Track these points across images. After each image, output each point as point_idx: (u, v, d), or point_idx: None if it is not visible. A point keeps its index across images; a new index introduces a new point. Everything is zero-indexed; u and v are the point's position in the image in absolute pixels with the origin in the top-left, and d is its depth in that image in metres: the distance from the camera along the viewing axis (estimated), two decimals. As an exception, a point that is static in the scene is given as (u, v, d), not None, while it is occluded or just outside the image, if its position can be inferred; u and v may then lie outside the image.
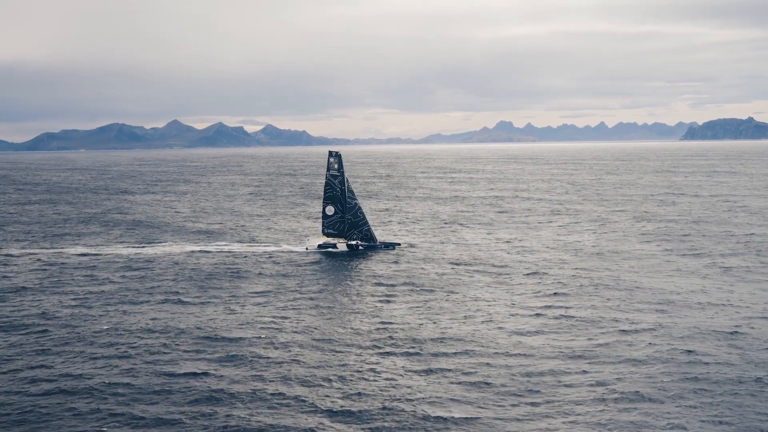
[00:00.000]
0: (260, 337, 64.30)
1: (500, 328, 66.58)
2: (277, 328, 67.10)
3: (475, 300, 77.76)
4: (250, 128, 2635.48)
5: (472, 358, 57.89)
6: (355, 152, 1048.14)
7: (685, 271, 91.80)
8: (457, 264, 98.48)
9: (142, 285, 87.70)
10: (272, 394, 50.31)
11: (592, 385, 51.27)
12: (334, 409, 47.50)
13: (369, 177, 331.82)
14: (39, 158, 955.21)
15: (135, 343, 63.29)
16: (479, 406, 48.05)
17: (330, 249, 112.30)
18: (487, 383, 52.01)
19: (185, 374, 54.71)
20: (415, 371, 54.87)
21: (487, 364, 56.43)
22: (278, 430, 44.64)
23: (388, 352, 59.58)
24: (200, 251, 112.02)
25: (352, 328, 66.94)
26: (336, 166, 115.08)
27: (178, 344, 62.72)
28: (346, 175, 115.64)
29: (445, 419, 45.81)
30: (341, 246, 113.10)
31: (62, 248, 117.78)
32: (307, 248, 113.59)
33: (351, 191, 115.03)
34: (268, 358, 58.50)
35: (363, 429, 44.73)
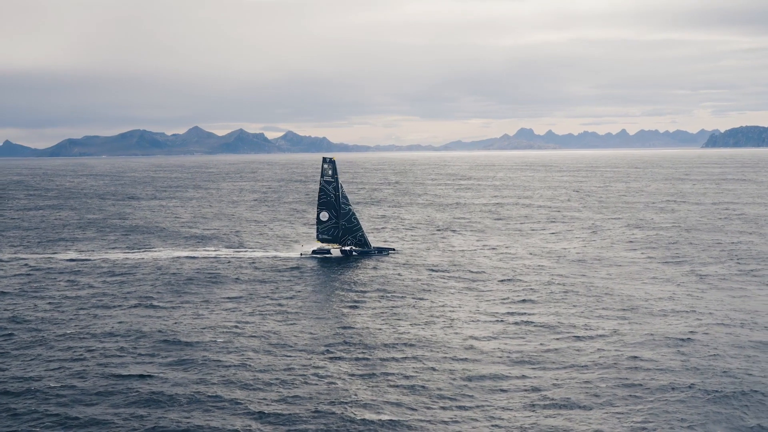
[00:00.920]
0: (216, 341, 65.08)
1: (456, 333, 67.15)
2: (236, 333, 67.88)
3: (442, 306, 78.29)
4: (270, 135, 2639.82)
5: (419, 362, 58.44)
6: (372, 159, 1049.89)
7: (660, 279, 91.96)
8: (434, 270, 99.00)
9: (120, 290, 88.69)
10: (209, 397, 51.08)
11: (526, 391, 51.77)
12: (265, 412, 48.25)
13: (378, 184, 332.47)
14: (59, 164, 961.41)
15: (93, 346, 64.21)
16: (409, 408, 48.67)
17: (324, 255, 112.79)
18: (424, 387, 52.58)
19: (132, 377, 55.59)
20: (357, 375, 55.51)
21: (432, 368, 56.99)
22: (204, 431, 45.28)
23: (337, 357, 60.21)
24: (186, 257, 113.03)
25: (310, 333, 67.65)
26: (330, 172, 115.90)
27: (135, 347, 63.62)
28: (340, 181, 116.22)
29: (370, 422, 46.46)
30: (335, 252, 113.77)
31: (53, 253, 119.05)
32: (301, 254, 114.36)
33: (345, 197, 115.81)
34: (218, 361, 59.27)
35: (287, 431, 45.28)
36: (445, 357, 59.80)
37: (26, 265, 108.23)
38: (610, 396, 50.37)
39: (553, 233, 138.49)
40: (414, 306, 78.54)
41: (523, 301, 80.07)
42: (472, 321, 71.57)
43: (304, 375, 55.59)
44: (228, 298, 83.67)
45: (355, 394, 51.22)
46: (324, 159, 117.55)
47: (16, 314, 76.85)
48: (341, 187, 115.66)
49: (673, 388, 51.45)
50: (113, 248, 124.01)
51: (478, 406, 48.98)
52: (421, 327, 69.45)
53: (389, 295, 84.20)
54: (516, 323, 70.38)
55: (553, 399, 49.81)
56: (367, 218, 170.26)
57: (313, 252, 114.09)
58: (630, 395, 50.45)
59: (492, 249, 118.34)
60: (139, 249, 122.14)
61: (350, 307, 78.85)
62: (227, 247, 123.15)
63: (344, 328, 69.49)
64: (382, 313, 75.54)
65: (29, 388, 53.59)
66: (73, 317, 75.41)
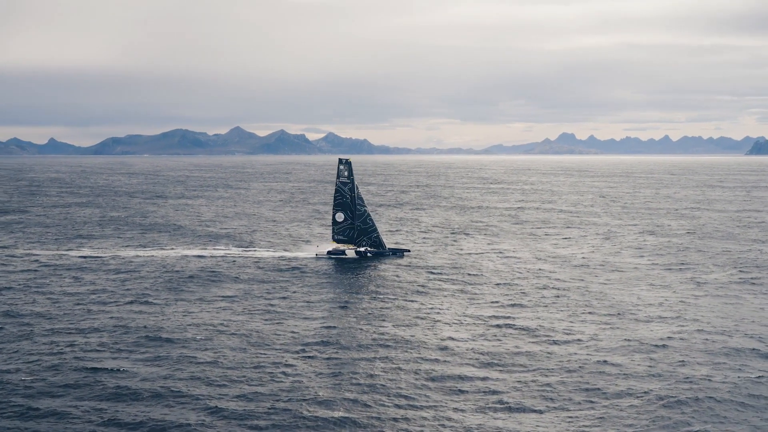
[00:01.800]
0: (197, 338, 66.20)
1: (435, 334, 67.77)
2: (219, 331, 68.95)
3: (430, 308, 78.89)
4: (312, 136, 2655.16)
5: (388, 363, 59.16)
6: (410, 161, 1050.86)
7: (657, 285, 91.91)
8: (433, 272, 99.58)
9: (120, 287, 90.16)
10: (172, 392, 52.17)
11: (484, 393, 52.33)
12: (222, 407, 49.26)
13: (407, 186, 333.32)
14: (99, 162, 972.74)
15: (76, 341, 65.58)
16: (364, 405, 49.54)
17: (339, 256, 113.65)
18: (385, 386, 53.32)
19: (103, 371, 56.87)
20: (324, 374, 56.35)
21: (399, 368, 57.72)
22: (156, 425, 46.28)
23: (310, 356, 61.05)
24: (195, 255, 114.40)
25: (291, 333, 68.54)
26: (346, 173, 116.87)
27: (115, 343, 64.91)
28: (356, 182, 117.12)
29: (321, 419, 47.27)
30: (350, 253, 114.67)
31: (68, 250, 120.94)
32: (316, 255, 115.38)
33: (361, 198, 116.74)
34: (192, 358, 60.36)
35: (239, 426, 46.21)
36: (416, 357, 60.47)
37: (37, 261, 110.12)
38: (564, 400, 50.76)
39: (565, 238, 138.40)
40: (402, 307, 79.21)
41: (513, 305, 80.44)
42: (455, 323, 72.11)
43: (272, 373, 56.47)
44: (223, 297, 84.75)
45: (316, 392, 52.03)
46: (340, 160, 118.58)
47: (13, 309, 78.43)
48: (357, 188, 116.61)
49: (629, 394, 51.71)
50: (127, 246, 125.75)
51: (431, 406, 49.59)
52: (403, 328, 70.15)
53: (381, 296, 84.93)
54: (497, 326, 70.83)
55: (507, 402, 50.29)
56: (386, 220, 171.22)
57: (329, 253, 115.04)
58: (585, 400, 50.80)
59: (499, 253, 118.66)
60: (151, 247, 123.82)
61: (340, 307, 79.68)
62: (237, 246, 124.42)
63: (327, 327, 70.31)
64: (369, 314, 76.26)
65: (0, 380, 54.89)
66: (68, 313, 76.80)
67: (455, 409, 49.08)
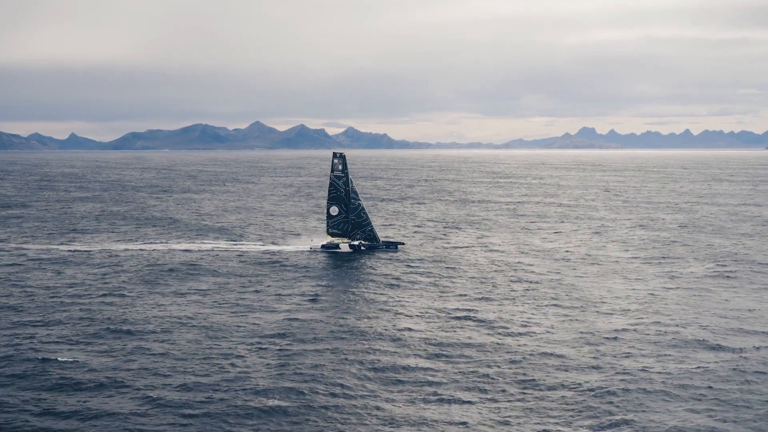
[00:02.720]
0: (156, 331, 67.27)
1: (394, 326, 68.68)
2: (182, 323, 69.98)
3: (397, 301, 79.67)
4: (332, 131, 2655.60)
5: (336, 354, 60.03)
6: (427, 156, 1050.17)
7: (631, 278, 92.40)
8: (411, 266, 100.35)
9: (100, 280, 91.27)
10: (116, 383, 53.28)
11: (421, 384, 53.20)
12: (159, 396, 50.31)
13: (416, 180, 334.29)
14: (116, 157, 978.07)
15: (38, 333, 66.75)
16: (299, 393, 50.58)
17: (333, 249, 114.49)
18: (324, 376, 54.27)
19: (54, 362, 57.97)
20: (272, 365, 57.27)
21: (345, 359, 58.53)
22: (89, 414, 47.37)
23: (263, 348, 61.96)
24: (183, 249, 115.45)
25: (253, 325, 69.47)
26: (340, 167, 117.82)
27: (76, 335, 66.05)
28: (350, 176, 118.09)
29: (255, 408, 48.31)
30: (344, 246, 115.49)
31: (59, 244, 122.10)
32: (311, 248, 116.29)
33: (355, 192, 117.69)
34: (147, 349, 61.45)
35: (172, 415, 47.24)
36: (366, 349, 61.29)
37: (24, 255, 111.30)
38: (498, 392, 51.48)
39: (556, 232, 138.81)
40: (370, 300, 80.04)
41: (480, 298, 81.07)
42: (417, 316, 72.81)
43: (220, 364, 57.41)
44: (197, 290, 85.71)
45: (257, 383, 52.95)
46: (334, 154, 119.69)
47: (-18, 302, 79.54)
48: (351, 182, 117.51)
49: (563, 386, 52.37)
50: (118, 240, 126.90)
51: (364, 396, 50.46)
52: (364, 320, 70.98)
53: (352, 289, 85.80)
54: (457, 318, 71.54)
55: (440, 393, 51.06)
56: (383, 213, 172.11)
57: (323, 246, 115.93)
58: (519, 391, 51.52)
59: (484, 246, 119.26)
60: (141, 241, 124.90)
61: (309, 300, 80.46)
62: (227, 240, 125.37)
63: (289, 320, 71.14)
64: (335, 306, 77.11)
65: (-51, 370, 56.13)
66: (40, 305, 77.93)
67: (387, 399, 49.88)
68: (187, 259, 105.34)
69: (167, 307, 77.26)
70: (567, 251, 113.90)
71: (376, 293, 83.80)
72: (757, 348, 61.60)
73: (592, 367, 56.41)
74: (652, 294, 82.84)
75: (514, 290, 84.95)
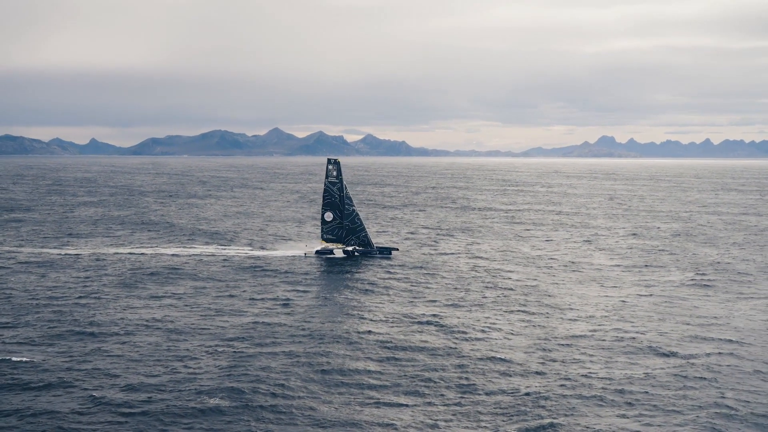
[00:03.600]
0: (119, 333, 68.27)
1: (354, 330, 69.41)
2: (147, 326, 70.90)
3: (366, 305, 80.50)
4: (350, 138, 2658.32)
5: (290, 357, 60.71)
6: (442, 164, 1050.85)
7: (607, 285, 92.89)
8: (390, 271, 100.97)
9: (81, 283, 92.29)
10: (64, 382, 54.27)
11: (362, 387, 53.99)
12: (102, 396, 51.18)
13: (423, 188, 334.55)
14: (134, 162, 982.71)
15: (3, 335, 67.67)
16: (240, 393, 51.34)
17: (327, 255, 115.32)
18: (270, 377, 55.02)
19: (7, 362, 58.82)
20: (222, 366, 58.14)
21: (297, 361, 59.35)
22: (29, 413, 48.32)
23: (219, 351, 62.79)
24: (171, 254, 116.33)
25: (218, 327, 70.31)
26: (335, 173, 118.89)
27: (40, 336, 67.07)
28: (345, 182, 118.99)
29: (194, 408, 49.06)
30: (338, 252, 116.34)
31: (53, 248, 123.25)
32: (305, 254, 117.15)
33: (349, 198, 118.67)
34: (105, 351, 62.42)
35: (111, 413, 48.13)
36: (319, 352, 62.02)
37: (14, 257, 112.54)
38: (436, 396, 52.16)
39: (547, 240, 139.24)
40: (340, 305, 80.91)
41: (450, 304, 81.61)
42: (382, 320, 73.51)
43: (172, 366, 58.28)
44: (173, 294, 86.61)
45: (202, 383, 53.69)
46: (329, 160, 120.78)
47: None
48: (345, 188, 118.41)
49: (502, 391, 52.96)
50: (111, 244, 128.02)
51: (303, 397, 51.32)
52: (327, 324, 71.77)
53: (325, 293, 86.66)
54: (420, 323, 72.20)
55: (377, 397, 51.75)
56: (381, 220, 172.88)
57: (317, 252, 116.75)
58: (457, 395, 52.24)
59: (470, 253, 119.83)
60: (132, 245, 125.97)
61: (281, 305, 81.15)
62: (217, 244, 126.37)
63: (254, 324, 71.92)
64: (304, 311, 77.85)
65: None
66: (16, 306, 79.07)
67: (324, 401, 50.64)
68: (172, 264, 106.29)
69: (138, 310, 78.14)
70: (551, 259, 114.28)
71: (347, 298, 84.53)
72: (708, 354, 62.01)
73: (536, 373, 56.94)
74: (624, 301, 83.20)
75: (486, 297, 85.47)
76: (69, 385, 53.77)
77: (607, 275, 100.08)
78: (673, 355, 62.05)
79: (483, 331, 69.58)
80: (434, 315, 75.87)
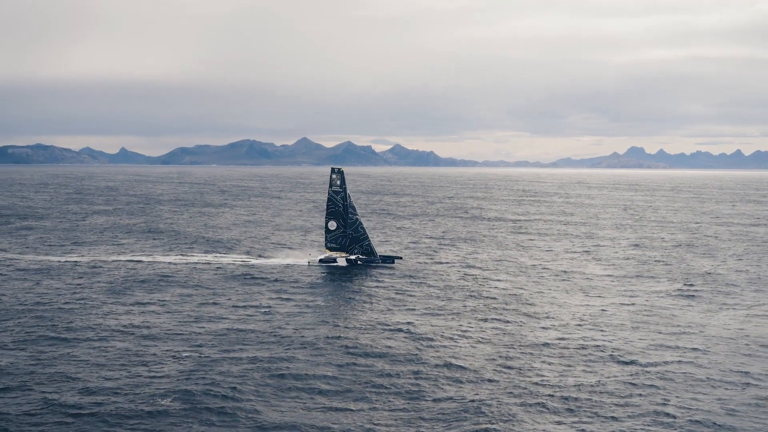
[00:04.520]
0: (93, 339, 69.26)
1: (324, 336, 70.06)
2: (122, 332, 71.94)
3: (342, 313, 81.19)
4: (378, 148, 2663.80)
5: (253, 362, 61.54)
6: (467, 174, 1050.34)
7: (592, 295, 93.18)
8: (377, 279, 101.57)
9: (72, 290, 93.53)
10: (21, 385, 55.41)
11: (313, 392, 54.72)
12: (56, 399, 52.13)
13: (442, 198, 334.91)
14: (160, 172, 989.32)
15: (-20, 339, 68.94)
16: (191, 395, 52.23)
17: (330, 263, 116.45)
18: (226, 381, 55.78)
19: (-18, 366, 60.15)
20: (183, 371, 58.91)
21: (258, 366, 60.13)
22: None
23: (186, 356, 63.69)
24: (168, 261, 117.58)
25: (192, 333, 71.25)
26: (338, 182, 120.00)
27: (13, 341, 68.24)
28: (348, 191, 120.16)
29: (143, 411, 49.98)
30: (341, 261, 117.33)
31: (56, 255, 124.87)
32: (309, 262, 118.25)
33: (353, 207, 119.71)
34: (73, 356, 63.51)
35: (61, 415, 49.18)
36: (282, 357, 62.83)
37: (13, 265, 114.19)
38: (382, 401, 52.77)
39: (548, 250, 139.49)
40: (318, 312, 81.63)
41: (427, 313, 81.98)
42: (354, 328, 74.21)
43: (136, 371, 59.28)
44: (159, 301, 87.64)
45: (158, 387, 54.65)
46: (332, 169, 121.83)
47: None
48: (349, 197, 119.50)
49: (449, 397, 53.45)
50: (112, 252, 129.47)
51: (251, 400, 52.17)
52: (300, 330, 72.49)
53: (308, 301, 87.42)
54: (392, 330, 72.89)
55: (325, 403, 52.45)
56: (387, 229, 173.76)
57: (320, 261, 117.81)
58: (405, 402, 52.63)
59: (465, 263, 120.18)
60: (132, 253, 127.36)
61: (262, 312, 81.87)
62: (217, 252, 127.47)
63: (228, 330, 72.75)
64: (280, 319, 78.54)
65: None
66: (0, 312, 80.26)
67: (272, 405, 51.46)
68: (165, 271, 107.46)
69: (119, 316, 79.24)
70: (545, 268, 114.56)
71: (328, 305, 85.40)
72: (666, 362, 62.30)
73: (489, 380, 57.45)
74: (603, 310, 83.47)
75: (466, 305, 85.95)
76: (27, 389, 54.83)
77: (595, 285, 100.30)
78: (633, 363, 62.33)
79: (451, 338, 70.11)
80: (408, 323, 76.43)
